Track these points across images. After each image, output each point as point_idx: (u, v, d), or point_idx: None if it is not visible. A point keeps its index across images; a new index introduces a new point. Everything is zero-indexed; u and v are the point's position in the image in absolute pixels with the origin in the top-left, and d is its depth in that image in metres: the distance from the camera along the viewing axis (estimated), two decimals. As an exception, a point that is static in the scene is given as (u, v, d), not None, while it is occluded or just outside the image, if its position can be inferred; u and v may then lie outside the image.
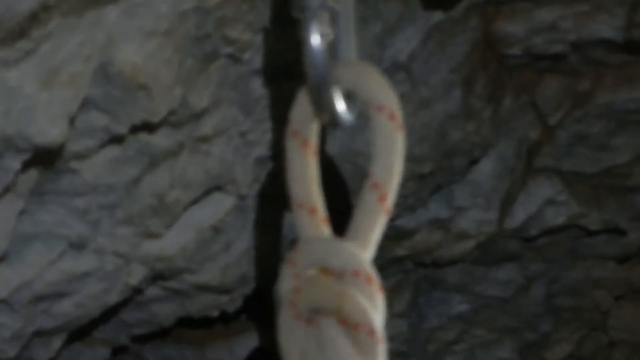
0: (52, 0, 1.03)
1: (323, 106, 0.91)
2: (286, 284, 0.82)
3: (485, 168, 2.29)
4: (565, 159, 2.31)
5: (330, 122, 0.92)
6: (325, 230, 0.87)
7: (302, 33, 0.93)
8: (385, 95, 0.88)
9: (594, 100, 2.11)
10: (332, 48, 0.92)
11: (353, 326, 0.77)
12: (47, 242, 1.48)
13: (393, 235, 2.44)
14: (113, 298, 1.67)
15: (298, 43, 1.00)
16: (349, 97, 0.91)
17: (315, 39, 0.91)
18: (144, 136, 1.40)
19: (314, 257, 0.83)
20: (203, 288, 1.80)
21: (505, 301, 2.74)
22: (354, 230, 0.84)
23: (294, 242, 0.93)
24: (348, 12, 0.96)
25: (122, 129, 1.34)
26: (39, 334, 1.64)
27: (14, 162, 1.21)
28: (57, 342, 1.70)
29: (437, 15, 1.74)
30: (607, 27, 1.86)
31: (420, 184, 2.19)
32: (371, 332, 0.77)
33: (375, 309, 0.77)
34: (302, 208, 0.90)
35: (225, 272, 1.79)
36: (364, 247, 0.83)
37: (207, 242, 1.69)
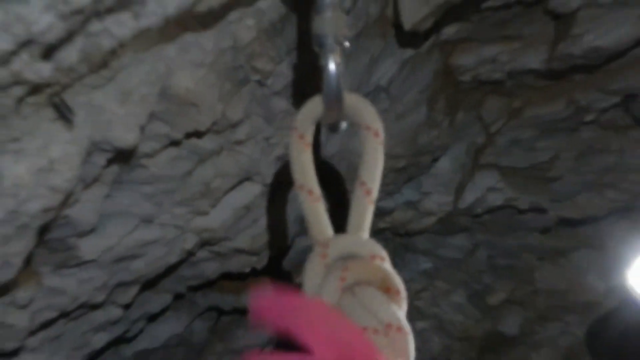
0: (126, 40, 1.03)
1: (333, 112, 0.91)
2: (326, 263, 0.81)
3: (444, 164, 2.29)
4: (502, 157, 2.31)
5: (334, 124, 0.92)
6: (320, 207, 0.87)
7: (322, 61, 0.93)
8: (372, 119, 0.89)
9: (524, 114, 2.11)
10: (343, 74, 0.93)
11: (400, 292, 0.77)
12: (125, 218, 1.49)
13: (377, 213, 2.45)
14: (173, 259, 1.68)
15: (310, 70, 1.00)
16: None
17: (332, 66, 0.92)
18: (194, 140, 1.40)
19: (346, 247, 0.82)
20: (238, 251, 1.81)
21: (458, 261, 2.75)
22: (352, 218, 0.85)
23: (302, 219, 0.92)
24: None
25: (178, 135, 1.34)
26: (120, 284, 1.64)
27: (101, 160, 1.22)
28: (133, 291, 1.71)
29: (409, 52, 1.74)
30: (533, 60, 1.86)
31: (397, 176, 2.19)
32: (404, 295, 0.78)
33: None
34: (303, 189, 0.89)
35: (254, 239, 1.79)
36: (363, 231, 0.84)
37: (241, 218, 1.69)
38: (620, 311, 2.50)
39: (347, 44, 0.94)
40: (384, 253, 0.81)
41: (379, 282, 0.78)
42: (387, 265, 0.80)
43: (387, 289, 0.78)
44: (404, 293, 0.78)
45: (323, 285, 0.79)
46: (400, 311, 0.77)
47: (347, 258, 0.81)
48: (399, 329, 0.74)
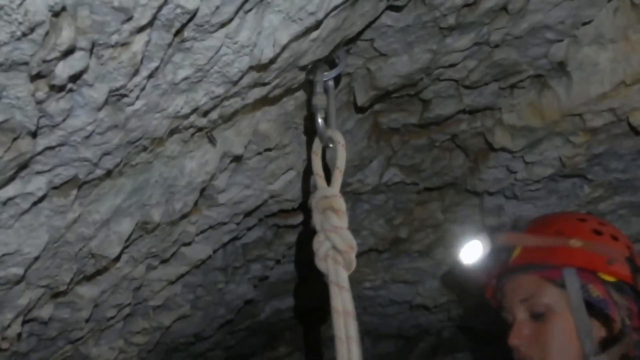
0: (239, 108, 1.03)
1: (323, 139, 0.92)
2: (315, 201, 0.81)
3: (374, 164, 2.25)
4: (401, 161, 2.28)
5: (326, 144, 0.93)
6: (324, 182, 0.87)
7: (314, 116, 0.93)
8: (340, 139, 0.89)
9: (409, 143, 2.09)
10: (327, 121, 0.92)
11: (342, 212, 0.77)
12: (238, 185, 1.47)
13: (343, 185, 2.41)
14: (258, 203, 1.66)
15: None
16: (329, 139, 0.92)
17: (320, 118, 0.92)
18: (267, 152, 1.40)
19: (323, 193, 0.82)
20: (287, 200, 1.80)
21: (380, 206, 2.72)
22: (332, 182, 0.85)
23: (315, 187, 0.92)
24: (332, 111, 0.96)
25: (261, 149, 1.34)
26: (235, 214, 1.63)
27: (227, 160, 1.21)
28: (240, 217, 1.68)
29: (360, 115, 1.74)
30: (413, 119, 1.85)
31: (353, 169, 2.18)
32: (345, 212, 0.78)
33: (344, 203, 0.79)
34: (315, 174, 0.90)
35: (293, 194, 1.78)
36: (335, 188, 0.84)
37: (287, 186, 1.68)
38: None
39: (326, 109, 0.94)
40: (339, 194, 0.80)
41: (334, 208, 0.78)
42: (340, 200, 0.79)
43: (337, 211, 0.78)
44: (344, 212, 0.77)
45: (314, 211, 0.80)
46: (342, 221, 0.76)
47: (324, 197, 0.81)
48: (340, 228, 0.75)
